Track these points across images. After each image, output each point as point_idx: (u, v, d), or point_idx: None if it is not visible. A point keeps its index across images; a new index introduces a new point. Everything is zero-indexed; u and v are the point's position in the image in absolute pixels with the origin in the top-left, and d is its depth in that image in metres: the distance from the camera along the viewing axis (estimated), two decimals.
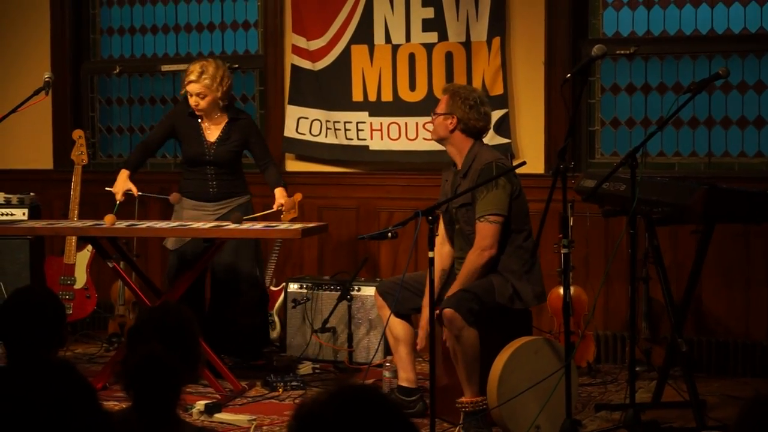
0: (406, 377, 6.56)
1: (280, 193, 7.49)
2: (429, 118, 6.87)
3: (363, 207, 8.54)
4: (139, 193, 7.52)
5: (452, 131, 6.44)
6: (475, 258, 6.21)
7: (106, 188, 7.58)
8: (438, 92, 7.70)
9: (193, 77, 7.37)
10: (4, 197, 8.61)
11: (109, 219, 7.22)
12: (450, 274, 6.48)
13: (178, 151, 8.08)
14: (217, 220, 7.40)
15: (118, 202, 7.54)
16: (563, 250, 5.83)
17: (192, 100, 7.42)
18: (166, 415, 3.59)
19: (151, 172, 8.98)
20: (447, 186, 6.50)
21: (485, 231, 6.21)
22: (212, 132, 7.52)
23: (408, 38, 8.27)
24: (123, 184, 7.46)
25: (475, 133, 6.46)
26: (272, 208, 7.48)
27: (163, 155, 9.04)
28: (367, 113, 8.40)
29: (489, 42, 8.02)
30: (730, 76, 6.84)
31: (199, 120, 7.52)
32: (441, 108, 6.51)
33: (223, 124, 7.51)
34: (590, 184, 6.51)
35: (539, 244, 6.31)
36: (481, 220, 6.22)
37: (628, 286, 6.07)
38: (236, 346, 7.65)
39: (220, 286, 7.54)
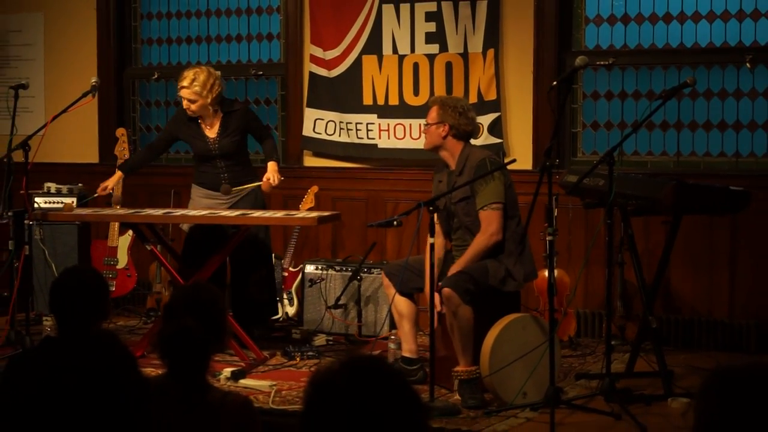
0: (408, 348, 6.55)
1: (271, 167, 7.34)
2: None
3: (372, 198, 8.53)
4: (109, 192, 7.59)
5: (445, 137, 6.40)
6: (483, 240, 6.19)
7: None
8: None
9: (185, 83, 7.26)
10: (56, 187, 8.63)
11: (66, 206, 7.32)
12: (445, 261, 6.45)
13: (186, 147, 8.04)
14: (230, 207, 7.38)
15: (94, 196, 7.61)
16: (548, 238, 5.83)
17: (184, 103, 7.33)
18: (196, 380, 3.60)
19: (166, 165, 9.00)
20: (442, 186, 6.44)
21: (491, 218, 6.19)
22: (212, 129, 7.42)
23: (413, 49, 8.25)
24: (110, 182, 7.52)
25: (465, 136, 6.43)
26: (261, 180, 7.33)
27: (176, 151, 9.02)
28: (376, 115, 8.39)
29: (484, 53, 8.01)
30: (696, 85, 6.86)
31: (199, 121, 7.45)
32: (432, 118, 6.45)
33: (219, 120, 7.41)
34: (573, 180, 6.50)
35: (527, 232, 6.31)
36: (485, 209, 6.20)
37: (606, 269, 6.07)
38: (252, 317, 7.62)
39: (240, 264, 7.53)
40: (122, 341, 2.35)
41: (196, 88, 7.24)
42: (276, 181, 7.27)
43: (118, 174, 7.56)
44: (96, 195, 7.62)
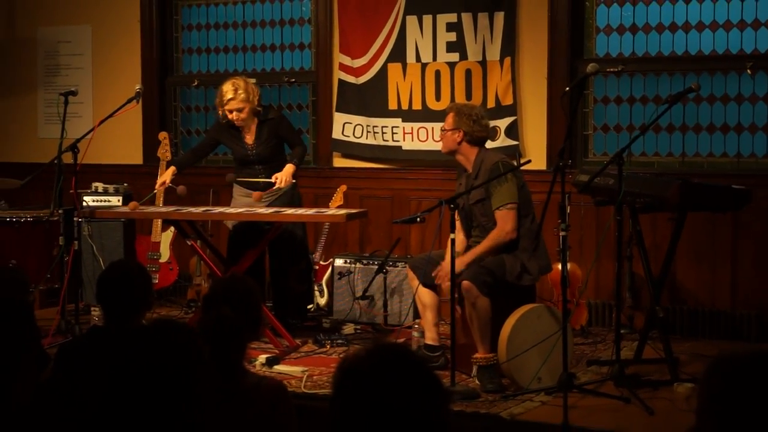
0: (431, 337, 6.55)
1: (286, 168, 7.32)
2: None
3: (396, 197, 8.53)
4: (170, 185, 7.56)
5: (460, 143, 6.39)
6: (498, 236, 6.18)
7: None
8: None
9: (230, 95, 7.25)
10: (103, 187, 8.67)
11: (131, 205, 7.32)
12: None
13: (225, 150, 8.05)
14: (267, 206, 7.39)
15: (154, 192, 7.63)
16: (562, 233, 5.82)
17: (233, 116, 7.29)
18: (234, 366, 3.61)
19: (205, 166, 8.99)
20: (461, 188, 6.44)
21: (506, 217, 6.18)
22: (250, 136, 7.44)
23: (434, 58, 8.24)
24: (166, 177, 7.50)
25: (480, 142, 6.41)
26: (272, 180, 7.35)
27: (215, 153, 9.02)
28: (400, 119, 8.39)
29: (501, 61, 7.99)
30: (700, 90, 6.82)
31: (239, 128, 7.45)
32: (448, 124, 6.43)
33: (254, 127, 7.43)
34: (584, 179, 6.49)
35: (542, 228, 6.30)
36: (500, 209, 6.19)
37: (615, 263, 6.05)
38: (291, 307, 7.66)
39: (280, 259, 7.57)
40: (184, 330, 2.32)
41: (242, 95, 7.26)
42: (283, 183, 7.28)
43: (172, 168, 7.55)
44: (155, 191, 7.68)
